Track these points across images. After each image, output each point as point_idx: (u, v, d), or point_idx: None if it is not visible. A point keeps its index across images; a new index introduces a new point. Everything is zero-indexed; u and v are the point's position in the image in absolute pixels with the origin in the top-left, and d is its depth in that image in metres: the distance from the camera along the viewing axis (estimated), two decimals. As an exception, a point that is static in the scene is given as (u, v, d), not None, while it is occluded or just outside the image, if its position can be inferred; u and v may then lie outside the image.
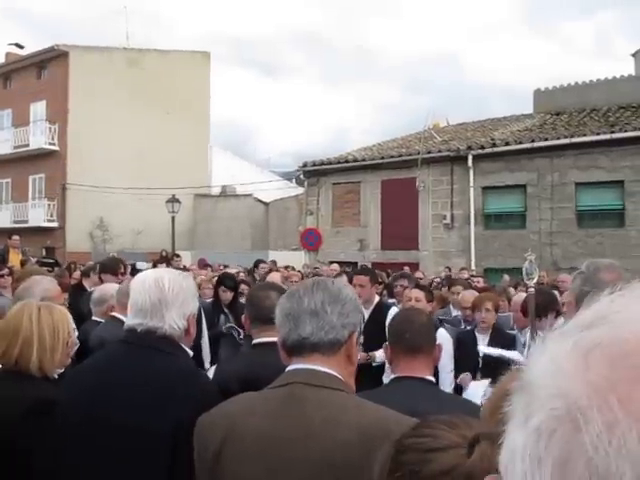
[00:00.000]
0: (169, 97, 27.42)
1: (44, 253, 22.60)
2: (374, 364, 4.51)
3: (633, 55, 21.29)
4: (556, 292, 7.69)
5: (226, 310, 5.64)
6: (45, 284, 3.05)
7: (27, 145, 26.49)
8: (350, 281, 4.76)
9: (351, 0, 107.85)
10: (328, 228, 18.36)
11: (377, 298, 4.96)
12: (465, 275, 10.64)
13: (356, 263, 15.07)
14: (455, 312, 6.55)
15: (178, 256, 11.96)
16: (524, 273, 3.77)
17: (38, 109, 26.84)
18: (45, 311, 2.16)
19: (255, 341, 2.42)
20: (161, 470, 1.70)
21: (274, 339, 1.67)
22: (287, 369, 1.51)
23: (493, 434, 0.88)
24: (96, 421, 1.76)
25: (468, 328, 5.08)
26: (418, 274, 11.55)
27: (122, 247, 23.60)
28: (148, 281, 1.94)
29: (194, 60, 29.46)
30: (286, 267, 13.65)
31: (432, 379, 2.12)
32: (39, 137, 26.09)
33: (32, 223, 25.78)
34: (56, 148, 25.81)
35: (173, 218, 20.37)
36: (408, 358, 2.08)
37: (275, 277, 5.49)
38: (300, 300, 1.50)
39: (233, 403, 1.54)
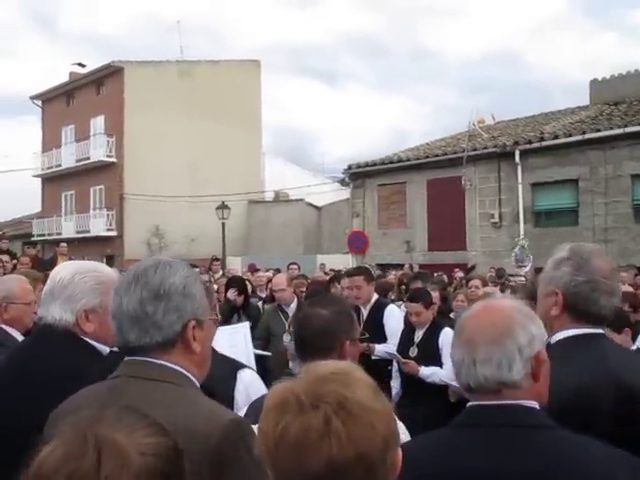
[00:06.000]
0: (221, 106, 27.90)
1: (104, 261, 23.42)
2: (373, 357, 4.41)
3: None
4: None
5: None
6: (9, 284, 3.05)
7: (88, 158, 27.64)
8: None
9: (405, 2, 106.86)
10: (374, 230, 18.11)
11: (375, 296, 4.78)
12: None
13: (403, 265, 14.76)
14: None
15: (218, 260, 12.08)
16: (513, 260, 3.52)
17: (98, 123, 27.98)
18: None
19: None
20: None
21: None
22: (125, 359, 1.41)
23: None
24: None
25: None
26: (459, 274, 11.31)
27: (178, 254, 24.15)
28: (52, 273, 1.97)
29: (244, 68, 29.88)
30: (331, 270, 13.62)
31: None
32: (99, 150, 27.16)
33: (93, 232, 26.85)
34: (114, 160, 26.80)
35: (223, 224, 20.72)
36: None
37: (281, 278, 5.37)
38: (120, 300, 1.37)
39: (76, 397, 1.44)
